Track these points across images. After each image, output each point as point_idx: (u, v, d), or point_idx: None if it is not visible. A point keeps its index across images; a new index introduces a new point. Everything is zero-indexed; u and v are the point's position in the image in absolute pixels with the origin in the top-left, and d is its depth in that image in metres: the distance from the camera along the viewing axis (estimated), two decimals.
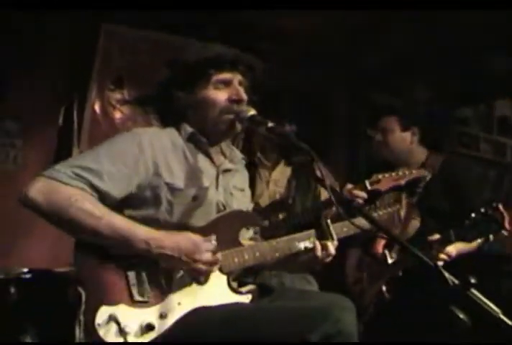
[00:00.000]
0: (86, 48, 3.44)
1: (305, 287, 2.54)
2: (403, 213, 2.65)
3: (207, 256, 1.62)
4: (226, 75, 1.83)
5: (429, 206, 2.62)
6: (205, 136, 1.85)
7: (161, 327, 1.60)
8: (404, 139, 2.76)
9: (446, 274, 1.23)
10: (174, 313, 1.63)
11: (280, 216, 2.49)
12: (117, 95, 3.54)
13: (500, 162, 5.06)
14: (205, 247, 1.62)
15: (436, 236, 2.45)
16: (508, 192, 4.88)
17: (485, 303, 1.21)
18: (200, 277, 1.68)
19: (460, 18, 3.50)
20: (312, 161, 1.55)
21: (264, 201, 2.57)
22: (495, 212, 2.32)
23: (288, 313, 1.59)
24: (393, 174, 2.41)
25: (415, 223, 2.69)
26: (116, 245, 1.59)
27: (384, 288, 2.52)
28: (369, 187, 2.36)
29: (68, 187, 1.59)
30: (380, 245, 2.50)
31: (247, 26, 3.76)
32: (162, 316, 1.61)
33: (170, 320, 1.62)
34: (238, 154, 1.99)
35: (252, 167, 2.63)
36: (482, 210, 2.34)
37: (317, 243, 1.81)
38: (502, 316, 1.20)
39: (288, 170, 2.63)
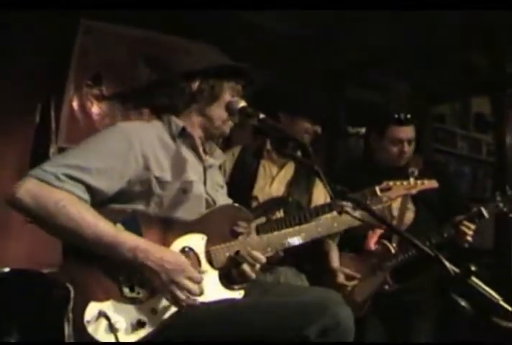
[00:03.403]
0: (63, 44, 3.36)
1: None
2: (396, 205, 2.66)
3: (187, 283, 1.54)
4: None
5: (422, 198, 2.63)
6: (204, 131, 1.88)
7: (152, 323, 1.56)
8: (413, 147, 2.78)
9: (447, 264, 1.22)
10: (165, 309, 1.59)
11: (278, 214, 2.42)
12: (95, 91, 3.46)
13: (476, 158, 5.15)
14: (190, 273, 1.56)
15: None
16: (483, 187, 4.99)
17: (486, 290, 1.21)
18: (180, 305, 1.57)
19: (437, 16, 3.54)
20: (306, 155, 1.55)
21: (263, 197, 2.47)
22: None
23: (285, 307, 1.58)
24: (405, 182, 2.37)
25: (409, 215, 2.72)
26: (101, 252, 1.54)
27: (389, 279, 2.54)
28: (379, 194, 2.30)
29: (57, 191, 1.55)
30: (373, 240, 2.51)
31: (223, 24, 3.73)
32: (153, 312, 1.57)
33: (161, 316, 1.58)
34: (217, 148, 2.00)
35: (257, 159, 2.57)
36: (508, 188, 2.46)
37: None
38: (502, 303, 1.21)
39: (292, 170, 2.56)
